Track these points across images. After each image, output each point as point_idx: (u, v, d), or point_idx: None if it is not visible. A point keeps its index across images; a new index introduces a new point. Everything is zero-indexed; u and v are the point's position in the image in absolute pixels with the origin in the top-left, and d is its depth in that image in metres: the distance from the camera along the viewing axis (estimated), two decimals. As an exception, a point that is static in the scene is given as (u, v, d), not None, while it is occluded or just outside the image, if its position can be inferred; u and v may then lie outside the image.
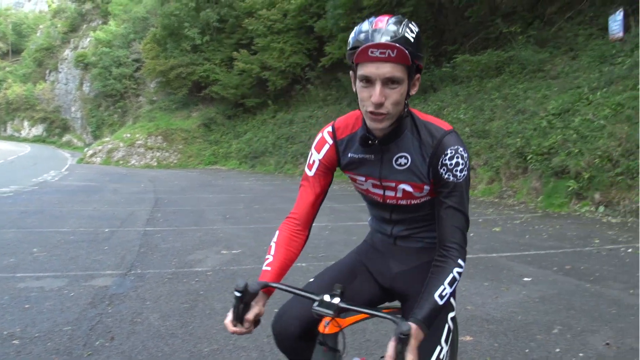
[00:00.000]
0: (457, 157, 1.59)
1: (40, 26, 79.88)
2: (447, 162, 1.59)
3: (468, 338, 3.66)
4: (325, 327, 1.58)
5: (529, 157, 11.37)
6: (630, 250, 6.53)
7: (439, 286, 1.53)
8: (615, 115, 10.22)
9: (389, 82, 1.49)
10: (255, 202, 12.84)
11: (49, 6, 79.46)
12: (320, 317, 1.51)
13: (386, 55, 1.44)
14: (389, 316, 1.40)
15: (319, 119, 25.93)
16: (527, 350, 3.47)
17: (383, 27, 1.49)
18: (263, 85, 31.49)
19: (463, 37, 21.35)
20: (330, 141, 1.79)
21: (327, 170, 1.82)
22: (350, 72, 1.62)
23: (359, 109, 1.65)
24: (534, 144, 11.44)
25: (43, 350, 3.51)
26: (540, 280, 5.24)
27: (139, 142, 34.99)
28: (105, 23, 57.46)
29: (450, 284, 1.55)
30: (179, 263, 6.22)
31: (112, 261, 6.26)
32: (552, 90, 13.28)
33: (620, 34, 13.14)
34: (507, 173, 12.36)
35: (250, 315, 1.60)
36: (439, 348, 1.65)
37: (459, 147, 1.60)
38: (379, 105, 1.50)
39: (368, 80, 1.50)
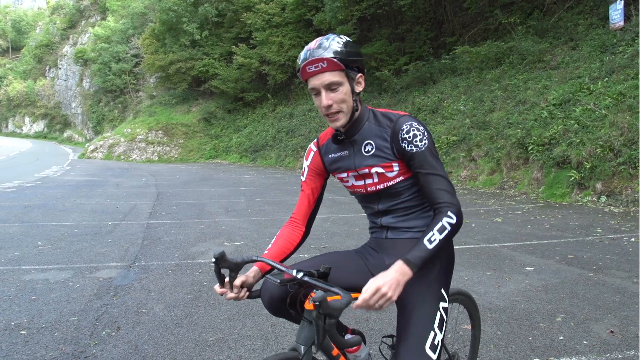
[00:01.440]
0: (413, 130, 1.78)
1: (39, 23, 79.76)
2: (405, 135, 1.79)
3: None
4: (308, 303, 1.69)
5: (530, 148, 11.37)
6: (633, 239, 6.55)
7: (429, 232, 1.68)
8: (617, 105, 10.22)
9: (330, 87, 1.76)
10: (257, 195, 12.86)
11: (48, 3, 79.30)
12: (275, 284, 1.69)
13: (319, 67, 1.73)
14: (337, 290, 1.50)
15: (319, 112, 25.89)
16: (530, 338, 3.49)
17: (314, 47, 1.77)
18: (263, 79, 31.48)
19: (462, 29, 21.30)
20: (315, 149, 2.09)
21: (316, 174, 2.08)
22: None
23: None
24: (535, 134, 11.44)
25: (50, 340, 3.53)
26: (543, 270, 5.26)
27: (140, 137, 35.04)
28: (103, 19, 57.39)
29: (440, 231, 1.67)
30: (182, 255, 6.24)
31: (116, 254, 6.29)
32: (553, 81, 13.27)
33: (621, 23, 13.11)
34: (508, 164, 12.36)
35: (236, 282, 1.80)
36: (432, 333, 1.72)
37: (412, 122, 1.80)
38: (329, 107, 1.78)
39: (316, 91, 1.78)
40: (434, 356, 1.68)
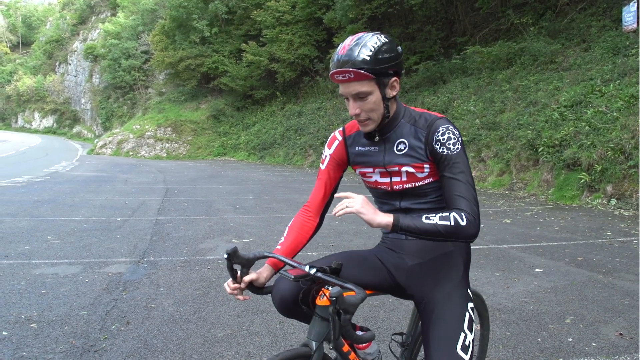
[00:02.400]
0: (449, 133, 1.75)
1: (50, 18, 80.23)
2: (440, 137, 1.75)
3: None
4: (320, 299, 1.70)
5: (540, 149, 11.30)
6: (642, 242, 6.50)
7: (432, 213, 1.69)
8: (629, 107, 10.13)
9: (358, 96, 1.73)
10: (265, 193, 12.89)
11: (58, -2, 79.75)
12: (287, 279, 1.70)
13: (346, 77, 1.68)
14: (351, 286, 1.51)
15: (328, 110, 25.88)
16: (539, 340, 3.48)
17: (343, 53, 1.71)
18: (272, 77, 31.47)
19: (473, 29, 21.19)
20: (340, 138, 2.01)
21: (337, 165, 2.02)
22: None
23: None
24: (545, 136, 11.38)
25: (61, 334, 3.56)
26: (552, 271, 5.24)
27: (149, 133, 35.19)
28: (114, 15, 57.65)
29: (442, 218, 1.65)
30: (190, 251, 6.27)
31: (125, 249, 6.32)
32: (564, 82, 13.18)
33: (634, 25, 12.98)
34: (517, 165, 12.30)
35: (246, 278, 1.80)
36: (462, 335, 1.71)
37: (449, 125, 1.77)
38: (357, 115, 1.77)
39: (345, 97, 1.78)
40: (467, 357, 1.68)
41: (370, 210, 1.63)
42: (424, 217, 1.65)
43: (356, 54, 1.68)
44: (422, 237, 1.66)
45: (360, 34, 1.75)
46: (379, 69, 1.70)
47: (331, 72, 1.72)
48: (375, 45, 1.71)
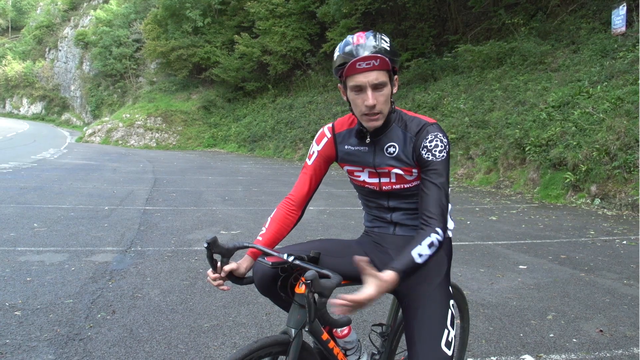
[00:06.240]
0: (437, 140, 1.78)
1: (41, 3, 79.03)
2: (428, 144, 1.78)
3: (463, 321, 3.72)
4: (299, 287, 1.72)
5: (527, 149, 11.42)
6: (625, 242, 6.61)
7: (417, 245, 1.64)
8: (615, 109, 10.26)
9: (376, 86, 1.73)
10: (254, 185, 12.88)
11: (49, -17, 78.56)
12: (267, 266, 1.73)
13: (371, 65, 1.69)
14: (327, 272, 1.55)
15: (319, 104, 25.86)
16: (521, 335, 3.54)
17: (364, 42, 1.73)
18: (264, 69, 31.34)
19: (465, 27, 21.26)
20: (329, 135, 2.01)
21: (324, 161, 2.03)
22: (339, 85, 1.86)
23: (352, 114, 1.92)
24: (533, 135, 11.48)
25: (45, 322, 3.56)
26: (536, 268, 5.31)
27: (139, 122, 34.93)
28: (106, 2, 56.88)
29: (429, 246, 1.65)
30: (178, 242, 6.27)
31: (112, 238, 6.31)
32: (553, 83, 13.29)
33: (623, 29, 13.11)
34: (505, 163, 12.41)
35: (226, 267, 1.82)
36: (446, 331, 1.76)
37: (439, 133, 1.80)
38: (373, 107, 1.74)
39: (359, 88, 1.74)
40: (450, 352, 1.72)
41: (372, 287, 1.50)
42: (415, 254, 1.62)
43: (378, 43, 1.72)
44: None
45: (365, 32, 1.77)
46: (395, 60, 1.75)
47: (353, 60, 1.69)
48: (388, 40, 1.77)
